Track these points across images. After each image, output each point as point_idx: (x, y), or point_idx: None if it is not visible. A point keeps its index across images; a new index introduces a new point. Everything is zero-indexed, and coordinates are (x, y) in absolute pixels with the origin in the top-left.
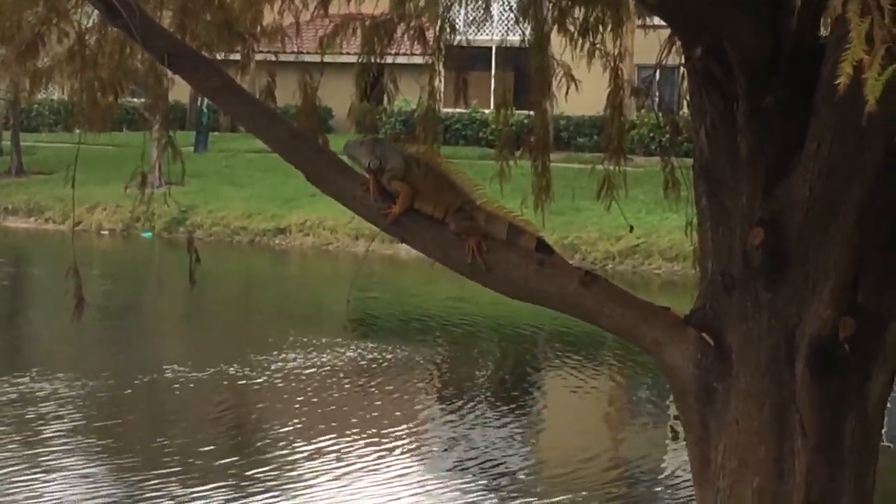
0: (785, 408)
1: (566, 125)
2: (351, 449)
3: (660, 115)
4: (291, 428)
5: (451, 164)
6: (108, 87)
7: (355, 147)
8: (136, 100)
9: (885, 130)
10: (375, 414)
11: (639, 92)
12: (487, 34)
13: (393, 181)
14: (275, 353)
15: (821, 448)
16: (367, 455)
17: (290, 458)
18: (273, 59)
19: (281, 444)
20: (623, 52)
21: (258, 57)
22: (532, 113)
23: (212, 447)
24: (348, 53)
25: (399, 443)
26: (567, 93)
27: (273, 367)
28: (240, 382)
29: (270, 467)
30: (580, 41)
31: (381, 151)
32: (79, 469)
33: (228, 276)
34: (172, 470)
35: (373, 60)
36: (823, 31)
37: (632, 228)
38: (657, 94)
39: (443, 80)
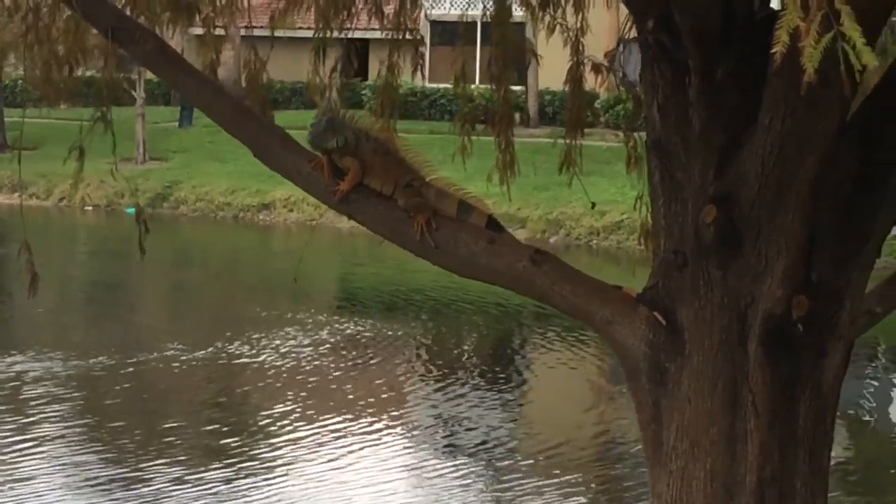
0: (737, 387)
1: (550, 100)
2: (350, 428)
3: (621, 90)
4: (290, 407)
5: (400, 140)
6: (60, 61)
7: (320, 133)
8: (119, 75)
9: (838, 103)
10: (372, 391)
11: (600, 67)
12: (472, 8)
13: (344, 157)
14: (270, 330)
15: (774, 428)
16: (366, 434)
17: (289, 439)
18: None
19: (280, 423)
20: (585, 25)
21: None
22: (495, 89)
23: (211, 427)
24: (335, 28)
25: (395, 421)
26: (528, 67)
27: (268, 344)
28: (236, 361)
29: (271, 447)
30: (541, 14)
31: (339, 128)
32: (76, 451)
33: (215, 253)
34: (172, 451)
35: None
36: (775, 2)
37: (593, 205)
38: (621, 69)
39: (427, 55)
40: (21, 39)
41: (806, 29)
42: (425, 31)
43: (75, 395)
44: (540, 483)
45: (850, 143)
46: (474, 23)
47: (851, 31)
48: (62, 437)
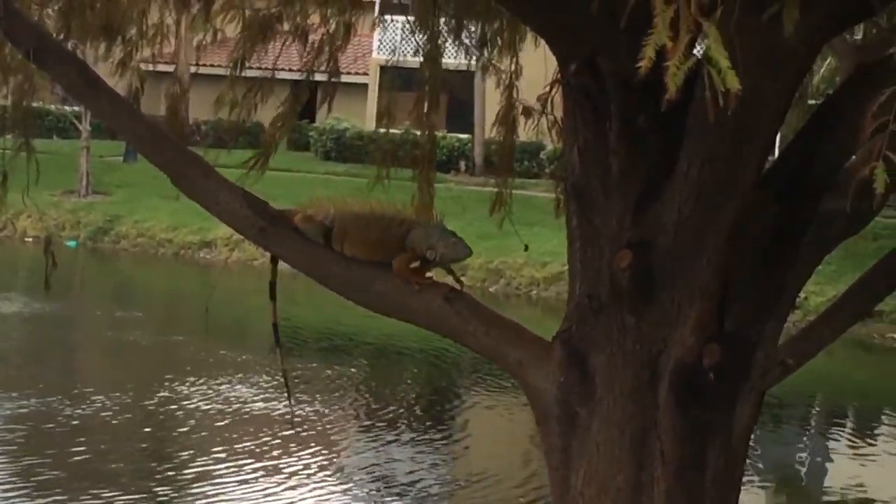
0: (646, 435)
1: (497, 150)
2: (276, 473)
3: (552, 133)
4: (224, 451)
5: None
6: None
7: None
8: (67, 108)
9: (758, 153)
10: (308, 434)
11: (531, 111)
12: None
13: None
14: (200, 371)
15: (681, 477)
16: (295, 477)
17: (219, 481)
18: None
19: (212, 467)
20: (518, 69)
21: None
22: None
23: (144, 473)
24: (284, 69)
25: (323, 466)
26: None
27: (197, 387)
28: (163, 406)
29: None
30: (475, 58)
31: None
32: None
33: (153, 290)
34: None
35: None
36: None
37: (526, 247)
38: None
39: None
40: None
41: (673, 49)
42: (374, 75)
43: (7, 436)
44: None
45: (769, 197)
46: (413, 68)
47: (718, 55)
48: None
